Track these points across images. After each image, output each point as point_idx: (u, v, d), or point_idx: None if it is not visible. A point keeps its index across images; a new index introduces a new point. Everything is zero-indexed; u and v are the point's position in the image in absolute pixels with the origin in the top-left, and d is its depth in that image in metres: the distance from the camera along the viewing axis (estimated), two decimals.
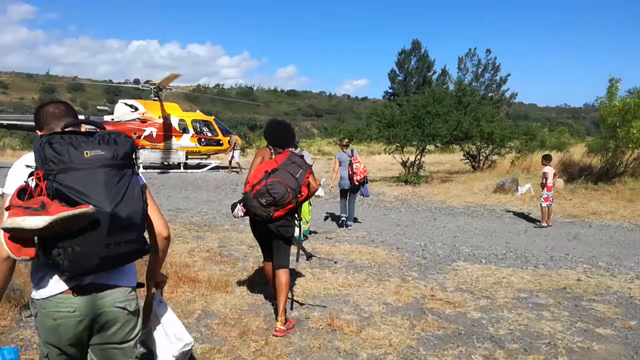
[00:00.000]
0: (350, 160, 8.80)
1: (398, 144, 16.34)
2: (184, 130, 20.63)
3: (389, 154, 16.48)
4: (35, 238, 1.79)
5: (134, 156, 2.01)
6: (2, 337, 3.84)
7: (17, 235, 1.76)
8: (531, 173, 16.37)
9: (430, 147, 16.91)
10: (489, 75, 46.59)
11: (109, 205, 1.82)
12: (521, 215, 10.69)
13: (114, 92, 72.58)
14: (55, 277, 1.91)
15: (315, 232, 8.43)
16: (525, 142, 19.35)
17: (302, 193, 4.05)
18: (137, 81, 21.68)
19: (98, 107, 22.57)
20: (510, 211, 11.13)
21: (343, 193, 9.13)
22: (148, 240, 2.07)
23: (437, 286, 5.45)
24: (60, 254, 1.78)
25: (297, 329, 4.08)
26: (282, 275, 4.12)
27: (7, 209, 1.80)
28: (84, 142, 1.88)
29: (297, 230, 4.33)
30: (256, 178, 4.05)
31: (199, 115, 22.07)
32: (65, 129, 1.92)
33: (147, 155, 19.96)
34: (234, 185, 15.49)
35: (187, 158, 20.41)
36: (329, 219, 10.09)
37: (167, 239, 2.21)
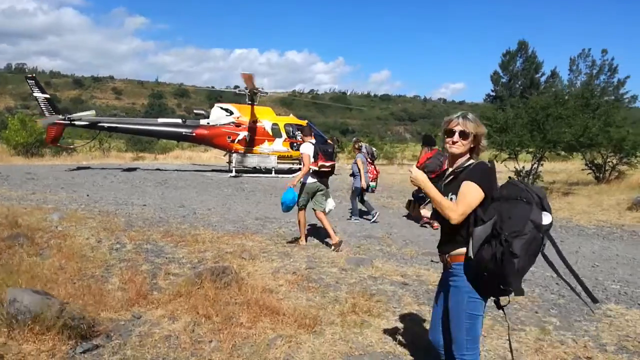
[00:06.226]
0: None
1: (511, 151, 14.51)
2: (277, 134, 20.17)
3: (501, 162, 14.65)
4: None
5: None
6: None
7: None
8: None
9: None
10: (605, 77, 42.21)
11: None
12: None
13: (215, 98, 75.85)
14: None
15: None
16: None
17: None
18: (237, 87, 21.77)
19: (195, 111, 22.57)
20: None
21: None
22: None
23: (591, 342, 4.11)
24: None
25: None
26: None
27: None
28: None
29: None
30: (421, 162, 8.82)
31: (292, 119, 21.54)
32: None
33: (239, 159, 19.75)
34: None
35: (278, 162, 19.91)
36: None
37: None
